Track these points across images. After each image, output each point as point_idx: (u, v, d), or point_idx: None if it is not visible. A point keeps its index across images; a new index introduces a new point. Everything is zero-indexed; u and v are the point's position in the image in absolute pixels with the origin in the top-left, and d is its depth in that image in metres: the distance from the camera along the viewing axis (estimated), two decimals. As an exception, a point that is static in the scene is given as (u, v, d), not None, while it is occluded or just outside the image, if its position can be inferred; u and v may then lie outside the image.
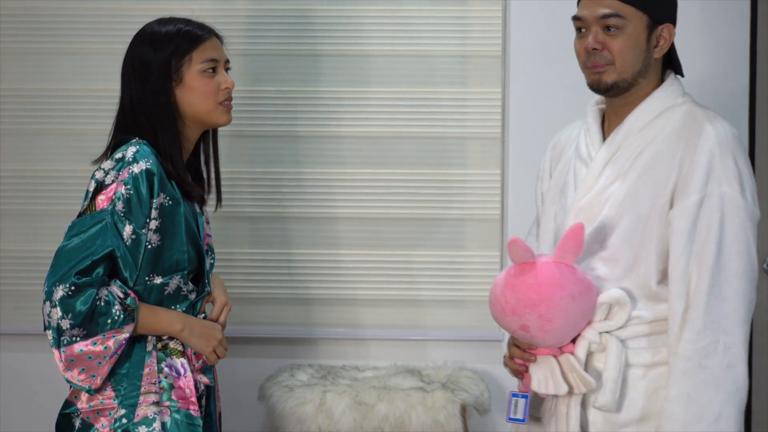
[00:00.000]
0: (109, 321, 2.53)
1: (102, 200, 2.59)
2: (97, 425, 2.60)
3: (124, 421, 2.57)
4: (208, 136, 2.85)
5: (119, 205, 2.57)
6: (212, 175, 2.86)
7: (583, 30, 2.55)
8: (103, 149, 2.74)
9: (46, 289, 2.53)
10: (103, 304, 2.52)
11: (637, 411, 2.47)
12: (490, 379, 3.58)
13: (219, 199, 2.88)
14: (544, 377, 2.48)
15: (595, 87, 2.56)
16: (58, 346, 2.53)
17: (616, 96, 2.56)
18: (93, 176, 2.63)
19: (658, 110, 2.55)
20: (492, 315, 2.52)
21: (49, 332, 2.53)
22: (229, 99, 2.76)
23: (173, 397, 2.62)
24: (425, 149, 3.60)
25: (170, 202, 2.62)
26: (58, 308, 2.49)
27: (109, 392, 2.61)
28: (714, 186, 2.43)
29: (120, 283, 2.58)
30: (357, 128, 3.59)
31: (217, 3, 3.61)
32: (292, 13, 3.57)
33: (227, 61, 2.80)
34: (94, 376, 2.56)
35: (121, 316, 2.54)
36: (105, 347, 2.54)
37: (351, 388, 3.39)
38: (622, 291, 2.48)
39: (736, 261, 2.41)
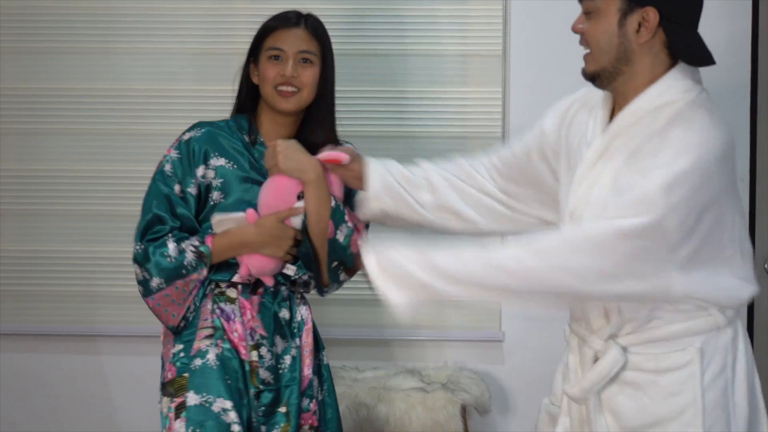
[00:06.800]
0: (183, 271, 2.74)
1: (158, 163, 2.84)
2: (167, 364, 2.82)
3: (182, 355, 2.78)
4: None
5: (167, 167, 2.80)
6: None
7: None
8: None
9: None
10: (172, 258, 2.73)
11: (650, 416, 2.34)
12: (491, 380, 3.58)
13: None
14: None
15: (583, 77, 2.41)
16: (147, 295, 2.77)
17: (604, 87, 2.38)
18: None
19: (649, 108, 2.33)
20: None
21: (139, 287, 2.78)
22: (286, 85, 2.82)
23: (224, 337, 2.78)
24: (425, 149, 3.58)
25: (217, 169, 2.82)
26: (136, 265, 2.76)
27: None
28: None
29: (197, 235, 2.78)
30: (357, 128, 3.58)
31: (214, 2, 3.61)
32: (290, 14, 3.57)
33: (303, 52, 2.84)
34: (174, 315, 2.77)
35: (193, 263, 2.75)
36: (184, 290, 2.76)
37: (351, 388, 3.39)
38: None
39: None
